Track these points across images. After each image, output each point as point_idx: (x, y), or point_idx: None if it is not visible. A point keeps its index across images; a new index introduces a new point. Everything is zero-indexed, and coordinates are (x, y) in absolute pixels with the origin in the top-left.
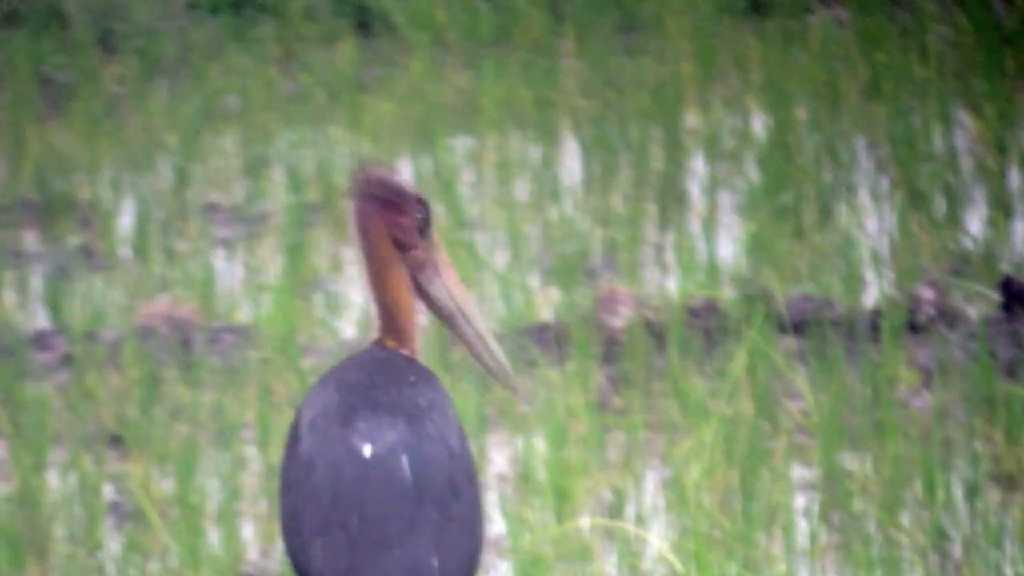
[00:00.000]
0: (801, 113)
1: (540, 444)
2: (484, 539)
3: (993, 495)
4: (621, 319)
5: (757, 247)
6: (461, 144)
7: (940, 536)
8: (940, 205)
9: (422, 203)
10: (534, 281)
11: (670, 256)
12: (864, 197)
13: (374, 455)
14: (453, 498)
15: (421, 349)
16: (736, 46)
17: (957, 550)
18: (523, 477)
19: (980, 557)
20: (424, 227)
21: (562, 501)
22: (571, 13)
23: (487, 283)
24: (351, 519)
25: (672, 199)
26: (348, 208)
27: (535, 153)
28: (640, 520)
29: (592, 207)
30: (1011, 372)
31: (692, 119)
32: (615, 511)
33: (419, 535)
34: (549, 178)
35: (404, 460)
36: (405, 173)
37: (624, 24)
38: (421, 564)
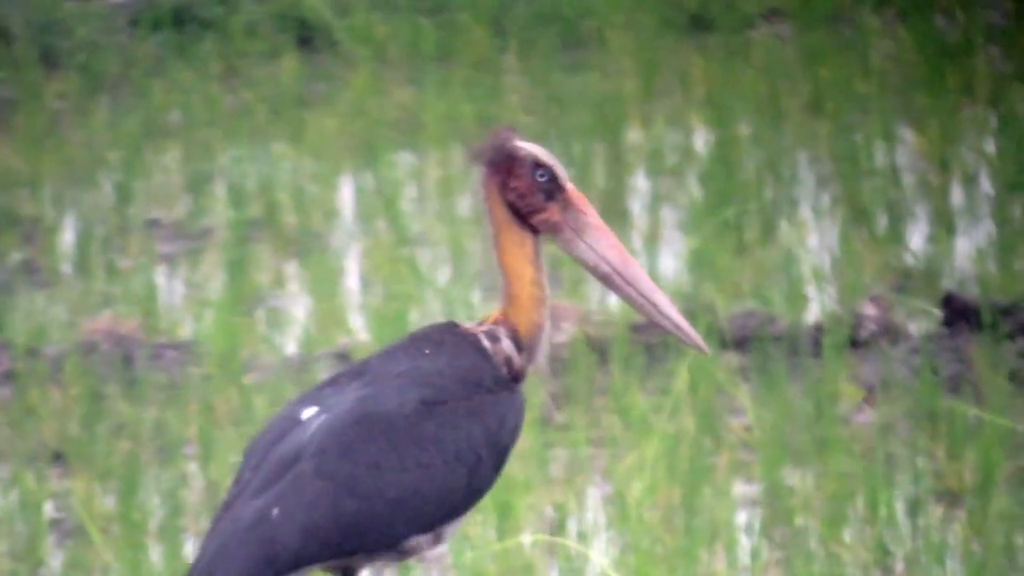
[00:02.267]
0: (743, 129)
1: None
2: (401, 507)
3: (935, 511)
4: (564, 335)
5: (699, 263)
6: (404, 160)
7: (882, 552)
8: (883, 221)
9: (543, 165)
10: (476, 297)
11: None
12: (806, 213)
13: (307, 418)
14: (338, 454)
15: (539, 319)
16: (678, 62)
17: (899, 566)
18: None
19: (922, 573)
20: (551, 190)
21: (504, 517)
22: (514, 29)
23: (430, 299)
24: (247, 473)
25: (614, 215)
26: (475, 174)
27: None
28: (582, 536)
29: None
30: (954, 388)
31: (634, 135)
32: (557, 527)
33: (278, 487)
34: None
35: (320, 420)
36: (347, 189)
37: (567, 40)
38: (260, 514)
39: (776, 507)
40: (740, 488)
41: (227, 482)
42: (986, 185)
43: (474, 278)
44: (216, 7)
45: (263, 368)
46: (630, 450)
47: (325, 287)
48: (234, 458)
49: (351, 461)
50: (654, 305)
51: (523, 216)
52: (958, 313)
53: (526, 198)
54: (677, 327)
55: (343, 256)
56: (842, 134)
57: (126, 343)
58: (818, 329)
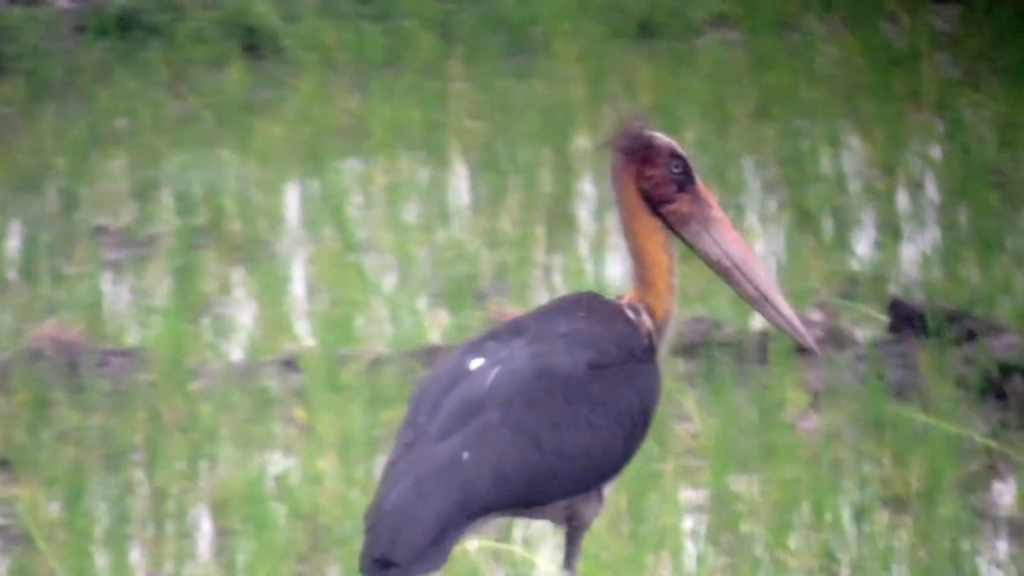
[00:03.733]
0: (690, 134)
1: None
2: (574, 465)
3: (882, 517)
4: None
5: None
6: (350, 166)
7: (828, 559)
8: (829, 227)
9: (678, 157)
10: (423, 303)
11: (559, 278)
12: (753, 219)
13: (476, 368)
14: (524, 407)
15: (671, 306)
16: (625, 68)
17: (845, 572)
18: None
19: None
20: (683, 181)
21: None
22: (461, 36)
23: (376, 306)
24: (423, 417)
25: (561, 221)
26: (608, 160)
27: (424, 175)
28: (528, 542)
29: (481, 229)
30: (900, 394)
31: (581, 141)
32: (503, 534)
33: (465, 432)
34: (438, 200)
35: (494, 372)
36: (293, 196)
37: (513, 47)
38: (451, 457)
39: (722, 513)
40: (686, 494)
41: (174, 489)
42: (932, 191)
43: (420, 285)
44: (163, 14)
45: (209, 375)
46: None
47: (271, 294)
48: (180, 465)
49: (534, 415)
50: (770, 302)
51: (653, 205)
52: (904, 319)
53: (659, 188)
54: (791, 325)
55: (289, 263)
56: (788, 140)
57: (72, 350)
58: (764, 335)
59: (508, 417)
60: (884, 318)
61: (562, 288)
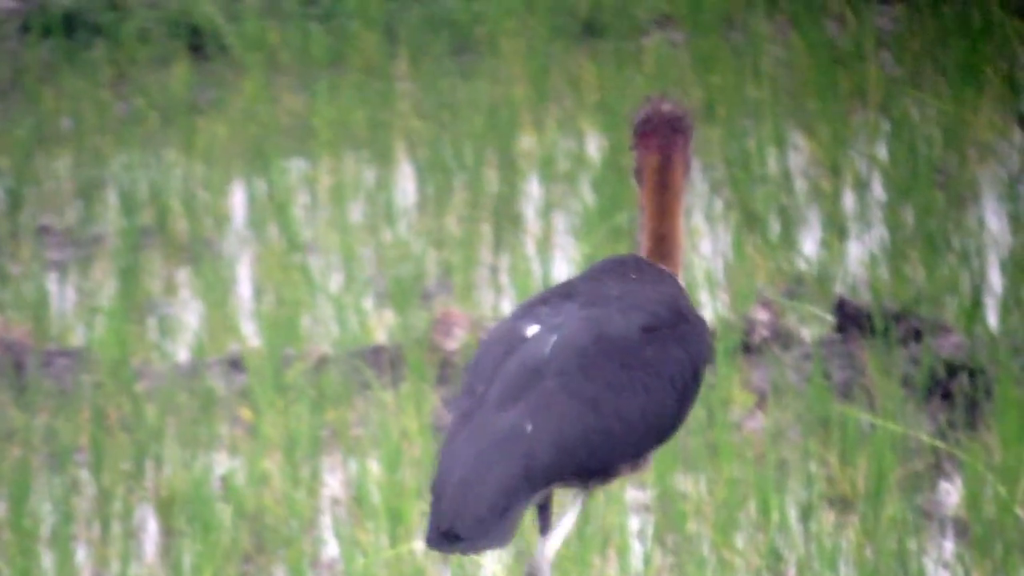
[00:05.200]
0: None
1: (374, 467)
2: (632, 428)
3: (827, 517)
4: (456, 341)
5: None
6: (295, 166)
7: (775, 558)
8: (775, 227)
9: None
10: (369, 303)
11: (505, 278)
12: (698, 218)
13: (533, 335)
14: (581, 374)
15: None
16: (570, 68)
17: (791, 572)
18: (357, 500)
19: None
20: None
21: (396, 524)
22: (405, 35)
23: (321, 305)
24: (480, 385)
25: (507, 221)
26: (637, 139)
27: (369, 175)
28: None
29: (427, 229)
30: (845, 394)
31: (526, 141)
32: None
33: (526, 402)
34: (383, 200)
35: (552, 338)
36: (238, 196)
37: (458, 46)
38: (513, 427)
39: (668, 513)
40: (632, 494)
41: (119, 489)
42: (878, 190)
43: (366, 285)
44: (107, 13)
45: (154, 375)
46: None
47: (216, 294)
48: (126, 465)
49: (592, 381)
50: None
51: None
52: (850, 319)
53: (688, 165)
54: None
55: (234, 263)
56: (734, 140)
57: (16, 350)
58: (710, 334)
59: (567, 385)
60: (830, 317)
61: (508, 288)
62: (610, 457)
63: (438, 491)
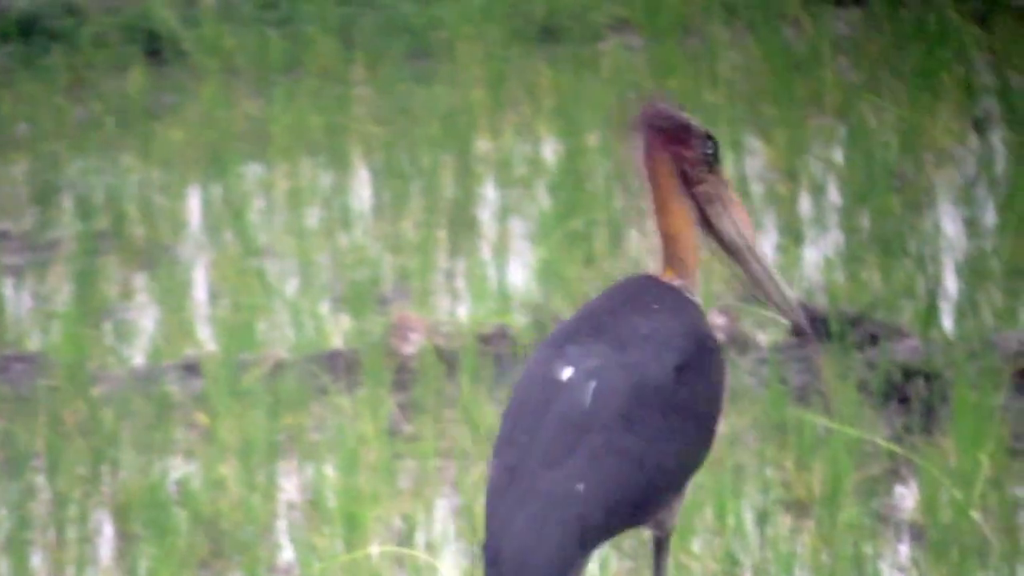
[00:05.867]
0: (592, 140)
1: (330, 471)
2: (670, 475)
3: (784, 521)
4: (412, 346)
5: (548, 273)
6: (252, 171)
7: (731, 562)
8: None
9: (710, 138)
10: (325, 308)
11: (461, 283)
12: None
13: (569, 379)
14: (624, 428)
15: (699, 280)
16: (527, 73)
17: None
18: (313, 505)
19: None
20: (712, 162)
21: (352, 529)
22: (362, 40)
23: (278, 310)
24: (523, 438)
25: (463, 226)
26: (631, 140)
27: (326, 180)
28: (431, 548)
29: (383, 234)
30: (802, 398)
31: (483, 146)
32: (405, 539)
33: (574, 460)
34: (340, 205)
35: (591, 386)
36: (194, 201)
37: (415, 51)
38: (567, 489)
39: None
40: None
41: (75, 494)
42: (834, 195)
43: (322, 290)
44: (64, 19)
45: (111, 380)
46: (479, 461)
47: (173, 299)
48: (81, 470)
49: (635, 433)
50: (775, 283)
51: (686, 186)
52: (806, 323)
53: (694, 168)
54: (790, 307)
55: (191, 268)
56: None
57: None
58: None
59: (611, 442)
60: (786, 322)
61: (465, 292)
62: (653, 507)
63: (493, 557)
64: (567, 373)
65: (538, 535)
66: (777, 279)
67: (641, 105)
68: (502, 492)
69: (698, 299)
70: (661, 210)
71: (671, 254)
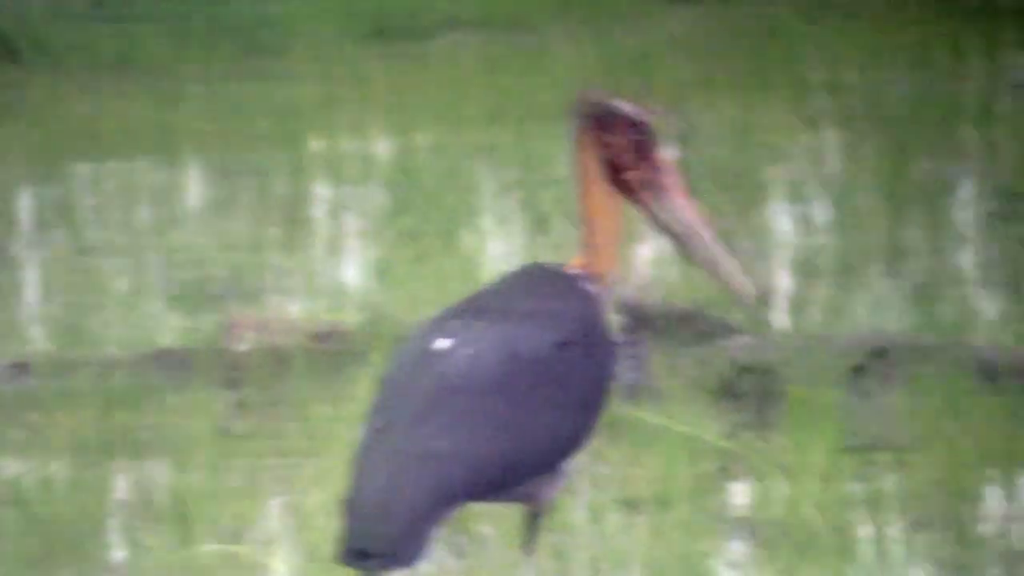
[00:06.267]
0: (425, 136)
1: (162, 470)
2: (541, 449)
3: (616, 518)
4: (245, 344)
5: (381, 271)
6: (83, 170)
7: (563, 559)
8: (564, 228)
9: (639, 124)
10: (157, 307)
11: (294, 281)
12: (488, 221)
13: (445, 349)
14: (495, 394)
15: (618, 273)
16: (359, 70)
17: (579, 573)
18: (145, 503)
19: None
20: (644, 148)
21: (184, 527)
22: (194, 38)
23: (109, 309)
24: (394, 402)
25: (296, 224)
26: (566, 129)
27: (158, 178)
28: (263, 546)
29: (215, 232)
30: (634, 395)
31: (315, 143)
32: (237, 537)
33: (439, 420)
34: (172, 203)
35: (465, 354)
36: (26, 199)
37: (247, 48)
38: (428, 446)
39: (458, 514)
40: None
41: None
42: None
43: (154, 288)
44: None
45: None
46: (310, 459)
47: (4, 297)
48: None
49: (504, 400)
50: (726, 268)
51: (614, 173)
52: (638, 320)
53: (621, 155)
54: (742, 287)
55: (22, 266)
56: (523, 142)
57: None
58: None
59: (479, 404)
60: (618, 319)
61: (298, 290)
62: (521, 474)
63: (351, 509)
64: (443, 344)
65: (395, 490)
66: (728, 264)
67: (576, 95)
68: (368, 452)
69: (602, 288)
70: (583, 196)
71: (588, 242)
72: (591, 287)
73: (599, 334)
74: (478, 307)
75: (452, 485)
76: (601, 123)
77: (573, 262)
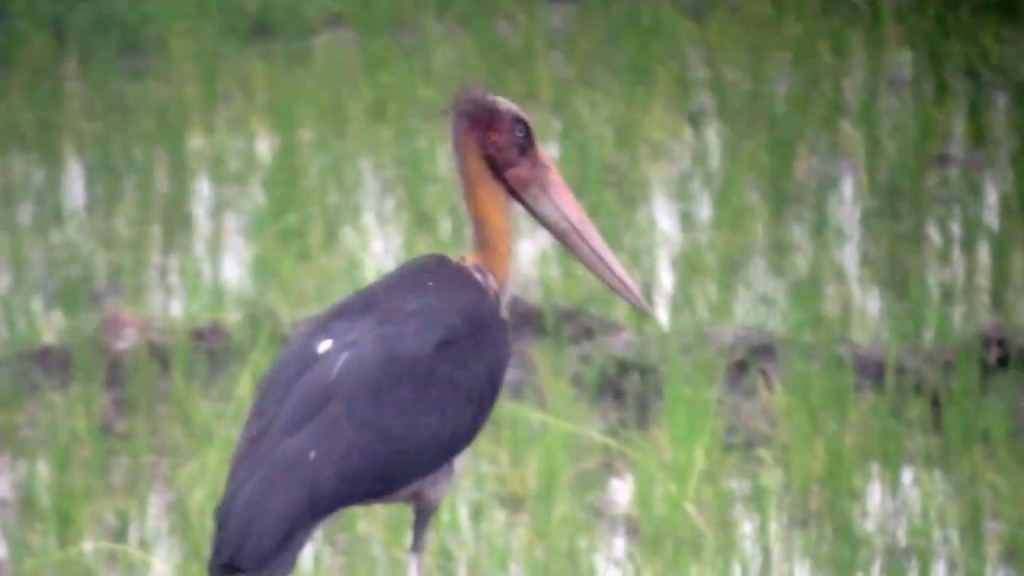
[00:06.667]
0: (306, 135)
1: (43, 468)
2: (423, 449)
3: (498, 516)
4: (125, 342)
5: (262, 269)
6: None
7: (445, 557)
8: (446, 226)
9: (520, 122)
10: (37, 305)
11: (175, 279)
12: (370, 219)
13: (324, 352)
14: (370, 399)
15: (510, 269)
16: (240, 68)
17: (463, 571)
18: (26, 502)
19: None
20: (525, 146)
21: (65, 525)
22: (74, 36)
23: None
24: (271, 408)
25: (177, 222)
26: (447, 126)
27: (38, 176)
28: (144, 544)
29: (96, 230)
30: (517, 393)
31: (196, 141)
32: (119, 535)
33: (311, 428)
34: (52, 201)
35: (341, 359)
36: None
37: (127, 46)
38: (298, 456)
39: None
40: None
41: None
42: None
43: (35, 286)
44: None
45: None
46: (192, 457)
47: None
48: None
49: (381, 406)
50: (606, 264)
51: (496, 170)
52: (521, 317)
53: (503, 152)
54: (626, 287)
55: None
56: (405, 140)
57: None
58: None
59: (354, 411)
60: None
61: (179, 289)
62: (402, 478)
63: (222, 519)
64: (325, 346)
65: (264, 500)
66: (611, 261)
67: (456, 91)
68: (241, 459)
69: (493, 282)
70: (469, 195)
71: (479, 239)
72: (485, 281)
73: (484, 328)
74: (366, 304)
75: (323, 496)
76: (482, 121)
77: (469, 257)
